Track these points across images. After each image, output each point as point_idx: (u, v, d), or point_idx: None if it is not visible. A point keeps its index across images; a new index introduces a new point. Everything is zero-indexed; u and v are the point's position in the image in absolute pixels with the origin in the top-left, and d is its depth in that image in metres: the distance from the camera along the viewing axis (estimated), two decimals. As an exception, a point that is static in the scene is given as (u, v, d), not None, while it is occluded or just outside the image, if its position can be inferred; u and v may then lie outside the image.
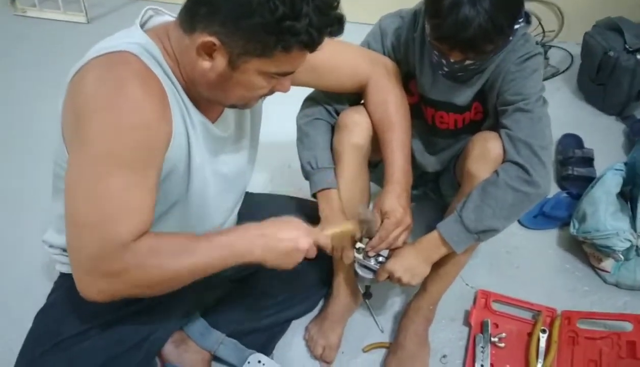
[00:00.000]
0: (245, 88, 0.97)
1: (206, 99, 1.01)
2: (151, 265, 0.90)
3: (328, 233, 1.11)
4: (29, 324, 1.13)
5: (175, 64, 0.97)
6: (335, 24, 0.90)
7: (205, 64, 0.92)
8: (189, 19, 0.91)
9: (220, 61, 0.91)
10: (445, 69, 1.23)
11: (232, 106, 1.05)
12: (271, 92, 1.01)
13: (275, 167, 1.97)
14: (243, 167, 1.23)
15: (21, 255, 1.67)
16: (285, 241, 1.00)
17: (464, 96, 1.32)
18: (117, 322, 1.11)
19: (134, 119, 0.87)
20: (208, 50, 0.90)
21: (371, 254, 1.26)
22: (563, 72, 2.48)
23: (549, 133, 1.22)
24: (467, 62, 1.18)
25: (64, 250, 1.16)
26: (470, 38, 1.08)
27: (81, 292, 0.91)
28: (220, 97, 1.00)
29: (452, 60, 1.18)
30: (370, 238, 1.25)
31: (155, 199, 0.94)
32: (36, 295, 1.23)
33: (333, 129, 1.35)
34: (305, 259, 1.05)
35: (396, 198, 1.24)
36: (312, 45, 0.90)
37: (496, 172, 1.20)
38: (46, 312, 1.14)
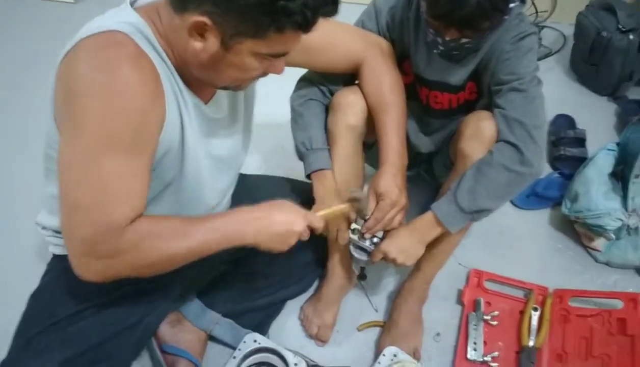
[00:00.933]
0: (238, 69, 0.95)
1: (198, 80, 1.00)
2: (146, 247, 0.91)
3: (320, 214, 1.11)
4: (23, 306, 1.13)
5: (167, 44, 0.95)
6: (329, 5, 0.89)
7: (197, 44, 0.90)
8: None
9: (213, 42, 0.89)
10: (441, 48, 1.22)
11: (224, 88, 1.04)
12: (264, 74, 1.00)
13: (268, 149, 1.96)
14: (237, 149, 1.22)
15: (14, 237, 1.66)
16: (279, 223, 1.01)
17: (458, 76, 1.31)
18: (112, 303, 1.11)
19: (127, 102, 0.86)
20: (200, 31, 0.88)
21: (367, 235, 1.26)
22: (556, 52, 2.48)
23: (543, 113, 1.22)
24: (463, 40, 1.17)
25: (57, 231, 1.16)
26: (467, 15, 1.07)
27: (77, 273, 0.91)
28: (213, 78, 0.98)
29: (447, 39, 1.17)
30: (364, 219, 1.25)
31: (148, 181, 0.93)
32: (30, 277, 1.22)
33: (327, 109, 1.35)
34: (302, 242, 1.05)
35: (392, 179, 1.23)
36: (306, 26, 0.89)
37: (490, 152, 1.20)
38: (40, 294, 1.14)
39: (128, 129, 0.87)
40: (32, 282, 1.18)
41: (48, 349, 1.01)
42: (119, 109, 0.86)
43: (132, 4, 0.97)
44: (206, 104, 1.06)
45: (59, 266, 1.16)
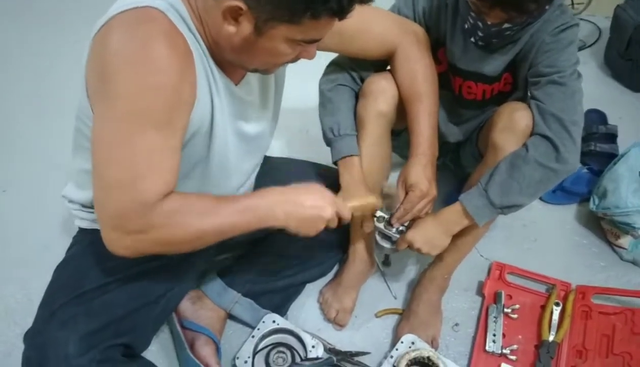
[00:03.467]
0: (269, 54, 0.95)
1: (229, 62, 0.99)
2: (176, 223, 0.91)
3: (350, 205, 1.11)
4: (47, 277, 1.15)
5: (200, 23, 0.95)
6: None
7: (231, 28, 0.89)
8: None
9: (246, 26, 0.89)
10: (480, 34, 1.20)
11: (254, 70, 1.04)
12: (296, 59, 0.99)
13: (293, 132, 1.96)
14: (265, 131, 1.22)
15: (41, 210, 1.69)
16: (310, 208, 1.01)
17: (494, 66, 1.29)
18: (136, 278, 1.12)
19: (159, 79, 0.86)
20: (234, 14, 0.88)
21: (395, 225, 1.26)
22: (590, 46, 2.42)
23: (581, 109, 1.19)
24: (505, 25, 1.14)
25: (84, 205, 1.17)
26: None
27: (108, 247, 0.92)
28: (244, 61, 0.98)
29: (489, 23, 1.14)
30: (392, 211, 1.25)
31: (179, 158, 0.94)
32: (55, 249, 1.25)
33: (356, 95, 1.34)
34: (326, 228, 1.05)
35: (422, 170, 1.22)
36: (341, 13, 0.88)
37: (525, 146, 1.18)
38: (66, 266, 1.16)
39: (160, 104, 0.87)
40: (57, 254, 1.20)
41: (72, 320, 1.02)
42: (151, 84, 0.86)
43: None
44: (237, 85, 1.06)
45: (84, 239, 1.19)
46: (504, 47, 1.26)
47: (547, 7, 1.13)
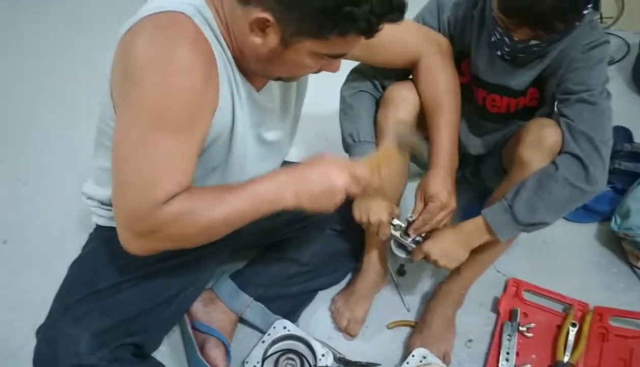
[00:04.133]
0: (294, 66, 0.95)
1: (253, 70, 1.00)
2: (186, 220, 0.91)
3: (365, 163, 1.05)
4: (63, 273, 1.15)
5: (226, 30, 0.95)
6: (395, 12, 0.86)
7: (257, 39, 0.90)
8: None
9: (273, 38, 0.89)
10: (507, 49, 1.18)
11: (278, 79, 1.04)
12: (319, 70, 0.99)
13: (311, 138, 1.95)
14: (284, 138, 1.22)
15: (58, 205, 1.71)
16: (318, 182, 0.97)
17: (520, 80, 1.27)
18: (150, 277, 1.12)
19: (182, 83, 0.86)
20: (261, 26, 0.88)
21: (413, 235, 1.24)
22: (618, 61, 2.38)
23: (610, 128, 1.17)
24: (532, 42, 1.13)
25: (102, 202, 1.18)
26: (544, 13, 1.03)
27: (123, 246, 0.93)
28: (268, 71, 0.99)
29: (516, 39, 1.13)
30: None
31: (196, 161, 0.94)
32: (72, 245, 1.26)
33: (377, 103, 1.33)
34: (348, 197, 1.01)
35: (441, 182, 1.21)
36: (370, 32, 0.87)
37: (554, 164, 1.16)
38: (82, 262, 1.17)
39: (181, 108, 0.87)
40: (74, 250, 1.21)
41: (85, 317, 1.03)
42: (173, 88, 0.86)
43: None
44: (259, 92, 1.06)
45: (101, 236, 1.19)
46: (531, 61, 1.24)
47: (576, 24, 1.11)
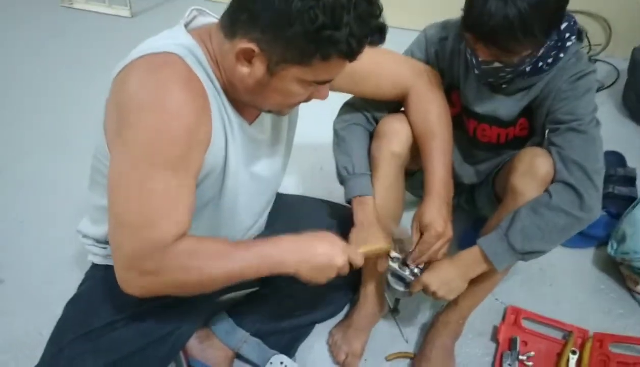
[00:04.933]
0: (282, 94, 0.97)
1: (244, 102, 1.02)
2: (189, 267, 0.92)
3: (362, 251, 1.11)
4: (58, 310, 1.15)
5: (217, 67, 0.97)
6: (376, 34, 0.89)
7: (244, 69, 0.92)
8: (230, 24, 0.91)
9: (259, 67, 0.91)
10: (477, 72, 1.21)
11: (269, 111, 1.06)
12: (309, 99, 1.01)
13: (307, 169, 1.97)
14: (277, 170, 1.23)
15: (54, 243, 1.70)
16: (320, 255, 1.01)
17: (509, 111, 1.29)
18: (144, 315, 1.11)
19: (176, 122, 0.88)
20: (247, 56, 0.90)
21: (411, 266, 1.24)
22: (608, 87, 2.42)
23: (602, 156, 1.18)
24: (496, 64, 1.15)
25: (98, 240, 1.18)
26: (492, 29, 1.05)
27: (122, 287, 0.93)
28: (258, 102, 1.00)
29: (480, 60, 1.15)
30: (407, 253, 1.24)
31: (194, 199, 0.95)
32: (67, 283, 1.25)
33: (370, 135, 1.34)
34: (337, 275, 1.05)
35: (436, 210, 1.22)
36: (351, 54, 0.89)
37: (548, 193, 1.17)
38: (76, 302, 1.16)
39: (176, 147, 0.88)
40: (69, 288, 1.20)
41: (79, 358, 1.02)
42: (167, 128, 0.87)
43: (186, 25, 1.00)
44: (250, 125, 1.08)
45: (96, 274, 1.19)
46: (517, 92, 1.26)
47: (543, 47, 1.13)
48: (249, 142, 1.09)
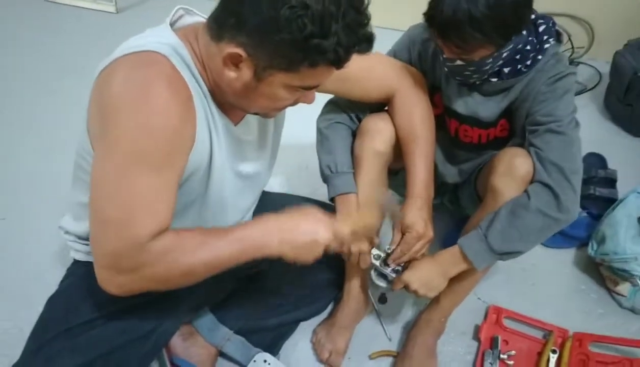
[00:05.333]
0: (269, 99, 0.96)
1: (230, 104, 1.01)
2: (168, 261, 0.91)
3: (347, 224, 1.07)
4: (40, 307, 1.14)
5: (202, 67, 0.97)
6: (363, 43, 0.89)
7: (232, 74, 0.92)
8: (217, 27, 0.91)
9: (246, 73, 0.91)
10: (445, 69, 1.23)
11: (255, 114, 1.06)
12: (295, 102, 1.01)
13: (292, 168, 1.97)
14: (262, 170, 1.23)
15: (37, 240, 1.69)
16: (304, 234, 0.99)
17: (489, 112, 1.30)
18: (126, 312, 1.11)
19: (159, 121, 0.87)
20: (234, 61, 0.90)
21: (392, 265, 1.25)
22: (590, 89, 2.44)
23: (580, 157, 1.20)
24: (458, 62, 1.17)
25: (79, 237, 1.17)
26: (443, 23, 1.08)
27: (101, 285, 0.92)
28: (245, 105, 1.00)
29: (444, 56, 1.18)
30: (393, 228, 1.24)
31: (175, 198, 0.94)
32: (49, 279, 1.24)
33: (353, 133, 1.35)
34: (326, 253, 1.03)
35: (418, 211, 1.23)
36: (339, 63, 0.89)
37: (527, 194, 1.18)
38: (57, 299, 1.15)
39: (158, 146, 0.88)
40: (51, 284, 1.20)
41: (59, 355, 1.01)
42: (150, 126, 0.87)
43: (172, 24, 1.00)
44: (236, 125, 1.08)
45: (78, 271, 1.18)
46: (496, 94, 1.28)
47: (504, 47, 1.14)
48: (235, 142, 1.09)
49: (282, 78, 0.91)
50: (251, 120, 1.12)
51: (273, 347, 1.38)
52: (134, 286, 0.93)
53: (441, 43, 1.15)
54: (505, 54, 1.17)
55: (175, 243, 0.91)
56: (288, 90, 0.94)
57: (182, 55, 0.94)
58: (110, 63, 0.91)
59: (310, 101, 1.01)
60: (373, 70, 1.26)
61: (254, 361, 1.31)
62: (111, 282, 0.92)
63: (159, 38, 0.94)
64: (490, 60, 1.16)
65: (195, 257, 0.93)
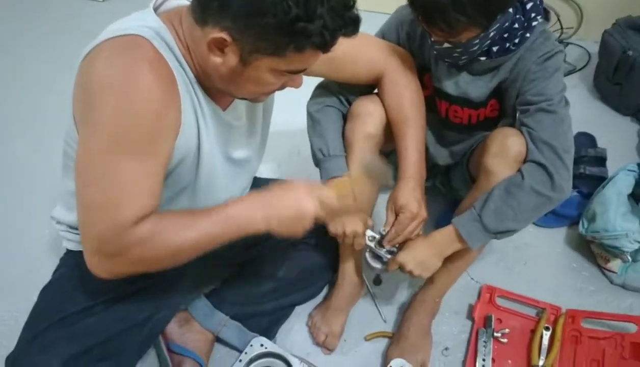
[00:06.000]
0: (256, 84, 0.96)
1: (217, 89, 1.00)
2: (153, 243, 0.91)
3: (333, 190, 1.06)
4: (34, 297, 1.14)
5: (187, 51, 0.96)
6: (349, 25, 0.88)
7: (217, 59, 0.91)
8: (201, 10, 0.89)
9: (232, 57, 0.90)
10: (434, 52, 1.23)
11: (242, 98, 1.05)
12: (282, 87, 1.00)
13: (284, 154, 1.96)
14: (252, 155, 1.22)
15: (29, 230, 1.68)
16: (288, 207, 0.99)
17: (479, 92, 1.30)
18: (121, 300, 1.12)
19: (141, 106, 0.87)
20: (219, 46, 0.89)
21: (387, 246, 1.26)
22: (580, 69, 2.45)
23: (571, 136, 1.20)
24: (445, 45, 1.17)
25: (71, 227, 1.17)
26: (427, 6, 1.08)
27: (91, 270, 0.93)
28: (232, 90, 0.99)
29: (432, 40, 1.18)
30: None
31: (162, 183, 0.94)
32: (43, 269, 1.24)
33: (344, 116, 1.35)
34: (317, 223, 1.03)
35: (410, 192, 1.23)
36: (325, 46, 0.88)
37: (520, 173, 1.18)
38: (51, 288, 1.15)
39: (141, 132, 0.88)
40: (45, 275, 1.20)
41: (54, 344, 1.02)
42: (133, 112, 0.87)
43: (156, 9, 0.98)
44: (224, 110, 1.07)
45: (71, 261, 1.18)
46: (485, 73, 1.28)
47: (487, 27, 1.13)
48: (224, 127, 1.08)
49: (268, 62, 0.90)
50: (239, 105, 1.12)
51: (269, 332, 1.39)
52: (122, 269, 0.94)
53: (426, 27, 1.15)
54: (492, 34, 1.16)
55: (159, 225, 0.92)
56: (275, 75, 0.93)
57: (165, 39, 0.93)
58: (93, 48, 0.91)
59: (297, 85, 1.01)
60: (361, 51, 1.25)
61: (251, 345, 1.32)
62: (100, 266, 0.92)
63: (142, 21, 0.93)
64: (477, 41, 1.16)
65: (181, 238, 0.94)
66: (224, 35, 0.86)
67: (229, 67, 0.91)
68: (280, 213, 0.98)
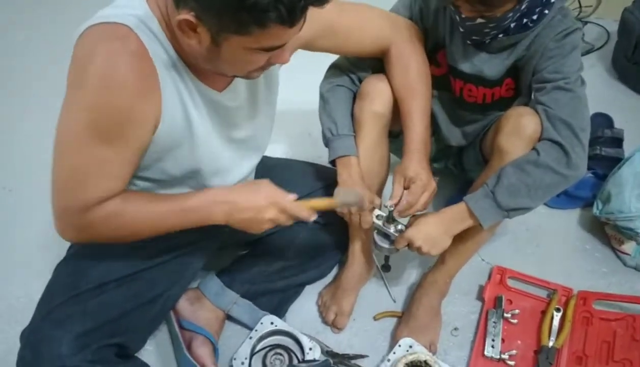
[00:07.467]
0: (235, 63, 0.94)
1: (207, 70, 0.99)
2: (112, 225, 1.00)
3: (307, 206, 1.09)
4: (48, 275, 1.16)
5: (174, 37, 0.95)
6: None
7: (191, 41, 0.89)
8: None
9: (205, 38, 0.88)
10: (462, 30, 1.20)
11: (234, 76, 1.04)
12: (269, 64, 0.97)
13: (295, 135, 1.96)
14: (256, 133, 1.21)
15: (43, 210, 1.68)
16: (246, 209, 1.04)
17: (495, 70, 1.28)
18: (134, 278, 1.14)
19: (115, 98, 0.90)
20: (190, 26, 0.87)
21: (398, 218, 1.25)
22: (598, 49, 2.40)
23: (588, 115, 1.19)
24: (479, 20, 1.14)
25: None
26: None
27: (56, 231, 1.01)
28: (219, 69, 0.97)
29: (464, 16, 1.15)
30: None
31: (130, 168, 0.99)
32: (57, 248, 1.25)
33: (355, 96, 1.34)
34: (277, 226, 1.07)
35: (418, 163, 1.22)
36: (289, 20, 0.84)
37: (536, 150, 1.17)
38: (65, 265, 1.17)
39: (112, 122, 0.91)
40: (59, 253, 1.21)
41: (68, 320, 1.04)
42: (106, 102, 0.90)
43: None
44: (221, 92, 1.06)
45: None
46: (502, 50, 1.26)
47: (524, 3, 1.12)
48: (219, 109, 1.07)
49: (238, 41, 0.87)
50: (239, 85, 1.10)
51: (279, 310, 1.40)
52: (83, 237, 1.03)
53: (461, 3, 1.12)
54: (524, 7, 1.14)
55: (119, 208, 0.99)
56: (250, 53, 0.91)
57: (151, 27, 0.93)
58: (85, 30, 0.92)
59: (284, 61, 0.99)
60: (365, 23, 1.23)
61: (261, 323, 1.33)
62: (63, 233, 1.02)
63: (129, 9, 0.93)
64: (511, 14, 1.14)
65: (138, 222, 1.02)
66: (189, 16, 0.85)
67: (205, 48, 0.90)
68: (239, 213, 1.03)
